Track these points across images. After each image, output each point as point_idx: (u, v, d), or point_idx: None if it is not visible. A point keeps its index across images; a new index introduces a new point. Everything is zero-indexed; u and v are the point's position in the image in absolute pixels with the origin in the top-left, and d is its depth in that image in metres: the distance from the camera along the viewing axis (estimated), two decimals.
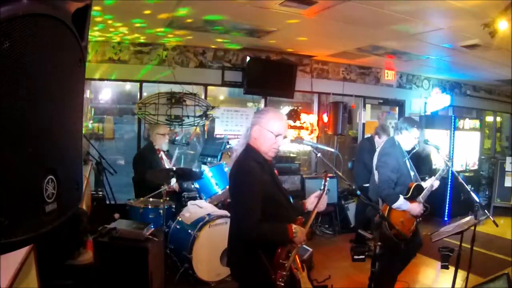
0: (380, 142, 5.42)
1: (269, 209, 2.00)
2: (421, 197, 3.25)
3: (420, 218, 3.32)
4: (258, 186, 1.99)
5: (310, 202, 2.28)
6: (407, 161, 3.32)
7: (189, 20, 4.48)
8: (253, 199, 1.95)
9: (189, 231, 3.84)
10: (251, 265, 2.00)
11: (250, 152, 2.10)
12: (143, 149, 4.93)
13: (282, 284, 1.92)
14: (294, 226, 2.02)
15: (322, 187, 2.28)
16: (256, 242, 1.98)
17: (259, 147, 2.10)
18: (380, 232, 3.11)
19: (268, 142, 2.08)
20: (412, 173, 3.35)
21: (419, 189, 3.27)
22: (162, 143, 4.71)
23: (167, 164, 4.72)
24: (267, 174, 2.09)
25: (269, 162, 2.16)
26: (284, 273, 1.95)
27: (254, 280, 2.04)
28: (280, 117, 2.16)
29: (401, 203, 3.14)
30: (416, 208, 3.20)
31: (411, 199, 3.23)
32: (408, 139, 3.33)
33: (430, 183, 3.30)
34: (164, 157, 4.76)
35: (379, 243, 2.59)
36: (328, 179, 2.32)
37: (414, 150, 3.40)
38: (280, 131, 2.10)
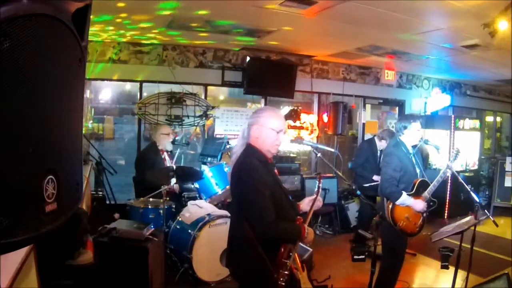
0: (383, 145, 5.43)
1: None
2: (427, 193, 3.27)
3: (427, 213, 3.33)
4: (264, 184, 2.00)
5: (305, 204, 2.30)
6: (412, 158, 3.33)
7: (189, 21, 4.48)
8: (263, 196, 1.96)
9: (189, 231, 3.84)
10: (253, 265, 2.00)
11: (251, 152, 2.10)
12: (147, 150, 4.88)
13: (283, 284, 1.93)
14: (305, 226, 2.07)
15: (316, 189, 2.31)
16: (271, 240, 1.98)
17: (261, 146, 2.11)
18: (383, 230, 3.12)
19: (270, 139, 2.11)
20: (418, 170, 3.36)
21: (424, 185, 3.30)
22: (166, 143, 4.69)
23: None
24: (269, 173, 2.10)
25: (269, 161, 2.17)
26: (286, 272, 1.95)
27: (255, 280, 2.04)
28: (278, 114, 2.21)
29: (404, 198, 3.17)
30: (419, 204, 3.22)
31: (416, 195, 3.25)
32: (411, 136, 3.35)
33: (436, 179, 3.31)
34: (167, 158, 4.75)
35: (381, 241, 2.59)
36: (322, 180, 2.38)
37: (420, 143, 3.41)
38: (280, 127, 2.13)
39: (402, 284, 3.97)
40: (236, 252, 2.14)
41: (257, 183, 1.98)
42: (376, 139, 5.53)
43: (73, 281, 2.76)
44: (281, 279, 1.93)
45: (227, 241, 2.21)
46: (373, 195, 4.72)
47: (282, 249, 2.00)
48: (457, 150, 3.44)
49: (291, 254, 2.02)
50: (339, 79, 7.13)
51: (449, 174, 3.31)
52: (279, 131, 2.12)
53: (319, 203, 2.29)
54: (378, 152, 5.48)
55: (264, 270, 1.94)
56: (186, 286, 3.81)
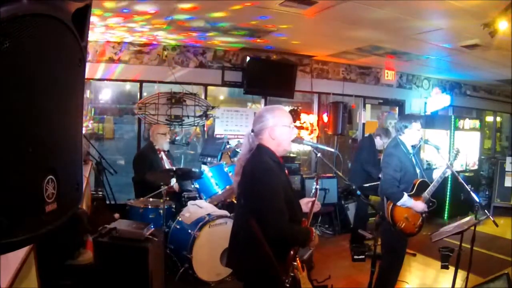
0: (381, 143, 5.44)
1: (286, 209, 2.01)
2: (426, 193, 3.27)
3: (426, 214, 3.34)
4: (279, 184, 2.00)
5: (304, 203, 2.29)
6: (413, 158, 3.33)
7: (189, 21, 4.48)
8: (279, 197, 1.96)
9: (189, 231, 3.84)
10: (259, 264, 1.98)
11: (265, 152, 2.08)
12: (144, 149, 4.90)
13: (288, 285, 1.92)
14: (313, 229, 2.10)
15: (313, 191, 2.30)
16: (281, 242, 1.98)
17: (278, 145, 2.10)
18: (383, 229, 3.12)
19: (287, 136, 2.12)
20: (418, 170, 3.36)
21: (423, 185, 3.30)
22: (163, 143, 4.70)
23: (167, 165, 4.71)
24: (282, 173, 2.09)
25: (281, 162, 2.15)
26: (292, 274, 1.96)
27: (261, 279, 2.02)
28: (282, 109, 2.22)
29: (405, 200, 3.17)
30: (419, 205, 3.23)
31: (416, 195, 3.26)
32: (411, 135, 3.35)
33: (436, 179, 3.31)
34: (164, 157, 4.75)
35: (381, 241, 2.59)
36: (319, 181, 2.36)
37: (420, 144, 3.42)
38: (291, 121, 2.15)
39: (402, 284, 3.97)
40: (241, 251, 2.11)
41: (274, 184, 1.97)
42: (375, 137, 5.56)
43: (73, 281, 2.76)
44: (287, 280, 1.93)
45: (230, 240, 2.18)
46: (372, 195, 4.73)
47: (292, 252, 2.00)
48: (457, 150, 3.44)
49: (296, 256, 2.03)
50: (339, 79, 7.13)
51: (448, 174, 3.31)
52: (290, 125, 2.14)
53: (316, 208, 2.28)
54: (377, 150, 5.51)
55: (270, 270, 1.93)
56: (186, 286, 3.80)
